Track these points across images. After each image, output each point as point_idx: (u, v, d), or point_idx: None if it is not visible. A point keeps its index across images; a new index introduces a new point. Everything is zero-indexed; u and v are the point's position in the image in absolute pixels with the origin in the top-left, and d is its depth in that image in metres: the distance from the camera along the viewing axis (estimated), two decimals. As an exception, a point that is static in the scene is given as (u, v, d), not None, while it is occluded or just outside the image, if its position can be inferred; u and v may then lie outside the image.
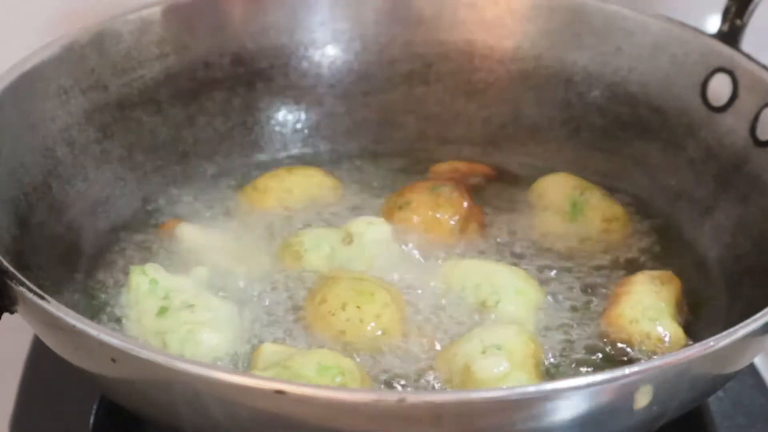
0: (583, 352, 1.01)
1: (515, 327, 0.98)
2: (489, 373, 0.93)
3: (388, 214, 1.13)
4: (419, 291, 1.05)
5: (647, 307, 1.03)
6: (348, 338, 0.99)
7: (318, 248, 1.07)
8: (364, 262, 1.07)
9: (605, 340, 1.02)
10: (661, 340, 1.01)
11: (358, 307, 1.00)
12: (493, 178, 1.21)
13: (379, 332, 0.99)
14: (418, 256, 1.09)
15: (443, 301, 1.04)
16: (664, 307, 1.03)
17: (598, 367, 1.00)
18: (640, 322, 1.02)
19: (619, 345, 1.02)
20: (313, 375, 0.91)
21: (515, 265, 1.08)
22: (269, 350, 0.96)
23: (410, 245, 1.10)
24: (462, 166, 1.21)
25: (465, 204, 1.13)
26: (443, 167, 1.21)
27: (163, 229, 1.12)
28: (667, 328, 1.02)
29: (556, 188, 1.15)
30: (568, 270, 1.10)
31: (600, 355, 1.01)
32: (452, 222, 1.12)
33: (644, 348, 1.01)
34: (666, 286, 1.05)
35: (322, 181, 1.18)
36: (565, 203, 1.14)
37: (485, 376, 0.93)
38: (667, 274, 1.07)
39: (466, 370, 0.94)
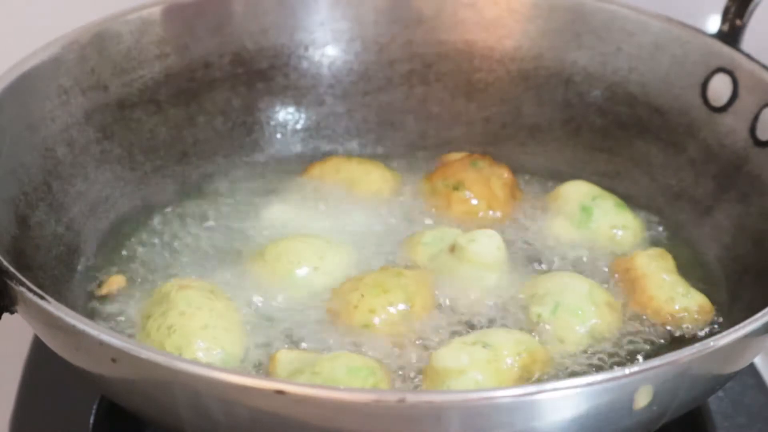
0: (632, 343, 1.01)
1: (521, 335, 0.97)
2: (443, 363, 0.93)
3: (442, 197, 1.14)
4: (487, 302, 1.04)
5: (673, 284, 1.05)
6: (339, 320, 1.00)
7: (431, 245, 1.07)
8: (455, 270, 1.05)
9: (646, 326, 1.03)
10: (697, 311, 1.03)
11: (362, 295, 1.00)
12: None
13: (374, 322, 0.99)
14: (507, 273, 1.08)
15: (499, 312, 1.03)
16: (682, 280, 1.06)
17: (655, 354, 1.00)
18: (675, 299, 1.03)
19: (660, 327, 1.03)
20: (346, 378, 0.91)
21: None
22: (286, 358, 0.95)
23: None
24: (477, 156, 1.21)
25: (507, 173, 1.16)
26: (454, 156, 1.21)
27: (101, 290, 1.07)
28: (696, 298, 1.04)
29: (570, 194, 1.15)
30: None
31: (652, 342, 1.02)
32: (503, 192, 1.14)
33: (686, 322, 1.03)
34: (667, 262, 1.07)
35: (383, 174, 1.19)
36: (576, 208, 1.14)
37: (439, 365, 0.93)
38: (660, 250, 1.09)
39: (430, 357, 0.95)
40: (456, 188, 1.15)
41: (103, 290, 1.05)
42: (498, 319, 1.03)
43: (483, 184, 1.15)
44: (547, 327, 1.00)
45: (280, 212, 1.14)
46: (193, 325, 0.97)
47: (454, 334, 1.01)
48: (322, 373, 0.92)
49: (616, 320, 1.02)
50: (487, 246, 1.05)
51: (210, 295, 1.00)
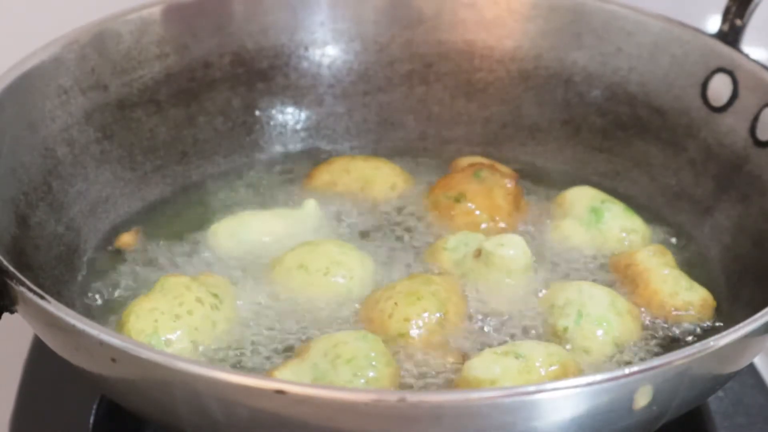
0: (640, 341, 1.02)
1: (553, 347, 0.96)
2: (475, 373, 0.92)
3: (444, 210, 1.13)
4: (516, 308, 1.04)
5: (676, 278, 1.05)
6: (372, 328, 0.99)
7: (455, 250, 1.07)
8: (482, 276, 1.05)
9: (650, 321, 1.03)
10: (700, 305, 1.04)
11: (396, 303, 0.99)
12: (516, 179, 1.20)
13: (410, 330, 0.98)
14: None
15: (527, 318, 1.03)
16: (684, 275, 1.06)
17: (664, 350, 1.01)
18: (679, 293, 1.04)
19: (665, 321, 1.03)
20: (365, 345, 0.93)
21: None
22: (288, 374, 0.94)
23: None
24: (484, 162, 1.20)
25: (510, 182, 1.14)
26: (464, 161, 1.21)
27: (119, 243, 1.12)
28: (699, 292, 1.05)
29: (578, 197, 1.14)
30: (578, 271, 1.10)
31: (655, 339, 1.02)
32: (506, 202, 1.13)
33: (690, 316, 1.04)
34: (667, 257, 1.08)
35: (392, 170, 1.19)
36: (585, 211, 1.13)
37: (471, 375, 0.92)
38: (659, 247, 1.09)
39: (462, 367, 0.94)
40: (458, 200, 1.14)
41: (117, 244, 1.10)
42: (529, 324, 1.02)
43: (485, 196, 1.13)
44: (573, 338, 1.00)
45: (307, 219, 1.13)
46: (142, 306, 0.98)
47: (489, 341, 1.00)
48: (355, 356, 0.92)
49: (638, 328, 1.02)
50: (514, 250, 1.04)
51: (194, 286, 1.00)
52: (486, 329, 1.02)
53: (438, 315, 0.99)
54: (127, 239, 1.11)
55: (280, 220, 1.12)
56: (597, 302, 1.01)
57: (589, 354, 0.99)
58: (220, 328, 1.00)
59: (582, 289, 1.02)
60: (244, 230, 1.10)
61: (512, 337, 1.01)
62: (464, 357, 0.98)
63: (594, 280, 1.07)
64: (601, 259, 1.11)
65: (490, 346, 0.99)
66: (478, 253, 1.05)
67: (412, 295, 1.00)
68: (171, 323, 0.97)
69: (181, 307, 0.98)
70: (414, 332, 0.98)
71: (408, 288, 1.01)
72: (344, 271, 1.04)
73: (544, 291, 1.05)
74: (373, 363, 0.92)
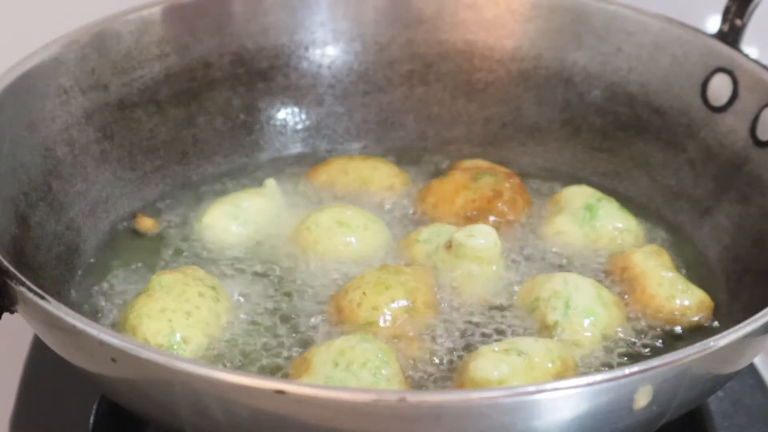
0: (638, 344, 1.02)
1: (550, 342, 0.96)
2: (482, 373, 0.92)
3: (421, 194, 1.15)
4: (489, 298, 1.05)
5: (672, 281, 1.05)
6: (341, 317, 1.00)
7: (428, 242, 1.08)
8: (455, 266, 1.06)
9: (647, 325, 1.03)
10: (697, 307, 1.04)
11: (364, 293, 1.00)
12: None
13: (378, 319, 0.99)
14: (509, 273, 1.08)
15: (506, 314, 1.03)
16: (680, 276, 1.06)
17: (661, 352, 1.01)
18: (676, 296, 1.04)
19: (662, 325, 1.03)
20: (370, 345, 0.93)
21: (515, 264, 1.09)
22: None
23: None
24: (484, 164, 1.20)
25: (492, 195, 1.13)
26: (466, 164, 1.20)
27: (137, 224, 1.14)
28: (696, 294, 1.05)
29: (575, 195, 1.14)
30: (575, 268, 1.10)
31: (653, 339, 1.03)
32: (463, 206, 1.12)
33: (688, 319, 1.04)
34: (663, 258, 1.07)
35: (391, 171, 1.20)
36: (580, 208, 1.13)
37: (478, 376, 0.92)
38: (655, 247, 1.09)
39: (466, 367, 0.94)
40: (428, 186, 1.15)
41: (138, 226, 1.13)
42: (501, 315, 1.03)
43: (451, 192, 1.13)
44: (563, 331, 1.00)
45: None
46: (151, 306, 0.98)
47: (462, 331, 1.01)
48: (368, 359, 0.92)
49: (623, 319, 1.03)
50: (485, 239, 1.05)
51: (190, 281, 1.01)
52: (458, 320, 1.02)
53: (406, 304, 1.00)
54: (147, 223, 1.14)
55: (257, 198, 1.14)
56: (583, 293, 1.01)
57: (580, 347, 0.99)
58: (223, 319, 1.01)
59: (567, 281, 1.02)
60: (239, 213, 1.12)
61: (485, 327, 1.02)
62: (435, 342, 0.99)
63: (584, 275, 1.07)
64: (593, 256, 1.10)
65: (463, 336, 1.00)
66: (449, 245, 1.05)
67: (381, 285, 1.01)
68: (184, 321, 0.98)
69: (188, 304, 0.99)
70: (382, 321, 0.99)
71: (377, 278, 1.02)
72: (378, 226, 1.09)
73: (518, 281, 1.06)
74: (385, 360, 0.93)
